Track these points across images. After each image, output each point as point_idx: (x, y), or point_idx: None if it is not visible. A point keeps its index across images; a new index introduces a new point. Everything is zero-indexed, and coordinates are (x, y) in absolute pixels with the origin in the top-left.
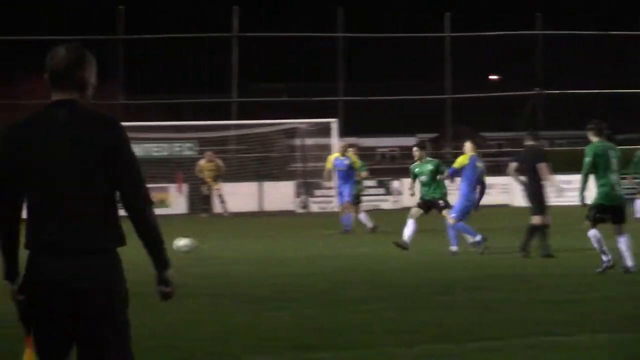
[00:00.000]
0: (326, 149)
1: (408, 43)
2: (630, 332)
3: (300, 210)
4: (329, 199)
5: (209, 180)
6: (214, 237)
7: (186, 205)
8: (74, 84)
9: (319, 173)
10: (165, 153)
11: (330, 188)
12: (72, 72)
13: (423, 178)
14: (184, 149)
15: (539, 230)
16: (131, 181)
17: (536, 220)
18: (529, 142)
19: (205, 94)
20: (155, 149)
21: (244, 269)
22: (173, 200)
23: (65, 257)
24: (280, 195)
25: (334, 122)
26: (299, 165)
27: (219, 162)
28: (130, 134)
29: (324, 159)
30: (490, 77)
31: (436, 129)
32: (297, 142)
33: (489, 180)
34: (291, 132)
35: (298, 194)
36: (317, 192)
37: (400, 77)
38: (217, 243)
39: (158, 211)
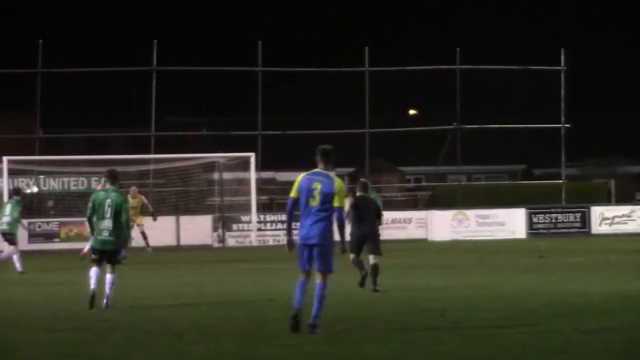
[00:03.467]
0: (244, 183)
1: (328, 77)
2: None
3: (217, 245)
4: (246, 233)
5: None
6: (134, 272)
7: None
8: None
9: (236, 207)
10: (83, 187)
11: (248, 222)
12: None
13: None
14: (102, 183)
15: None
16: None
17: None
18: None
19: (124, 127)
20: (74, 183)
21: (164, 303)
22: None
23: None
24: (197, 229)
25: (252, 156)
26: (216, 200)
27: (143, 197)
28: (47, 168)
29: (242, 193)
30: (410, 111)
31: (355, 163)
32: (215, 176)
33: (408, 214)
34: (209, 166)
35: (215, 228)
36: (235, 226)
37: (319, 111)
38: (137, 278)
39: (75, 245)
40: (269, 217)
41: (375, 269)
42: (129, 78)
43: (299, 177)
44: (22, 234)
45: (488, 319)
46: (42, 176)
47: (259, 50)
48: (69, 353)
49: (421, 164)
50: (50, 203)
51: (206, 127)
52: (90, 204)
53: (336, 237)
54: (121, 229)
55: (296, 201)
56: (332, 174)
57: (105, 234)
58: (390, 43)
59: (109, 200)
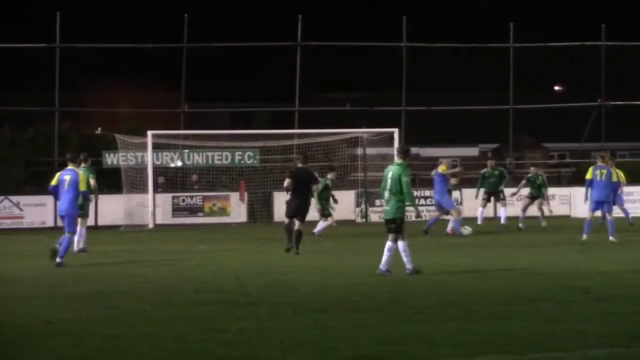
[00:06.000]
0: (388, 159)
1: (472, 53)
2: None
3: (360, 220)
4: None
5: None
6: (277, 246)
7: (246, 214)
8: None
9: (379, 182)
10: (227, 162)
11: None
12: None
13: None
14: (246, 158)
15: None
16: None
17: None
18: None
19: (269, 102)
20: (218, 158)
21: (307, 279)
22: (233, 208)
23: None
24: (340, 204)
25: (396, 132)
26: (359, 175)
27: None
28: (192, 142)
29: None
30: (555, 87)
31: (499, 139)
32: (359, 151)
33: (552, 190)
34: (353, 142)
35: (358, 204)
36: (377, 201)
37: (463, 87)
38: (283, 253)
39: (217, 219)
40: (412, 193)
41: (299, 234)
42: (274, 53)
43: None
44: (167, 208)
45: (634, 296)
46: (186, 151)
47: (404, 25)
48: (217, 327)
49: (565, 140)
50: (194, 177)
51: (350, 103)
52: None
53: None
54: (398, 199)
55: None
56: None
57: (385, 204)
58: (535, 19)
59: (390, 173)
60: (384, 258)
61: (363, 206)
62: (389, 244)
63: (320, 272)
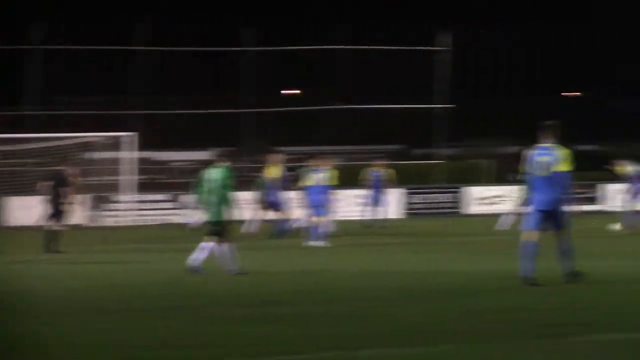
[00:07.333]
0: (121, 163)
1: (206, 56)
2: (421, 346)
3: (92, 224)
4: (122, 212)
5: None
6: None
7: None
8: None
9: (112, 186)
10: None
11: (123, 202)
12: None
13: None
14: None
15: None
16: None
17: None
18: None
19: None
20: None
21: (73, 284)
22: None
23: None
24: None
25: (127, 136)
26: (92, 179)
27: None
28: None
29: (118, 172)
30: (290, 91)
31: (232, 142)
32: (91, 155)
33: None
34: (87, 146)
35: (91, 208)
36: (110, 206)
37: (198, 91)
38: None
39: None
40: (147, 197)
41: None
42: (9, 57)
43: None
44: None
45: (363, 298)
46: None
47: (139, 29)
48: None
49: (300, 144)
50: None
51: (84, 107)
52: None
53: None
54: (221, 203)
55: None
56: None
57: (208, 207)
58: (272, 22)
59: (212, 176)
60: (199, 255)
61: (95, 210)
62: (206, 244)
63: (53, 276)
